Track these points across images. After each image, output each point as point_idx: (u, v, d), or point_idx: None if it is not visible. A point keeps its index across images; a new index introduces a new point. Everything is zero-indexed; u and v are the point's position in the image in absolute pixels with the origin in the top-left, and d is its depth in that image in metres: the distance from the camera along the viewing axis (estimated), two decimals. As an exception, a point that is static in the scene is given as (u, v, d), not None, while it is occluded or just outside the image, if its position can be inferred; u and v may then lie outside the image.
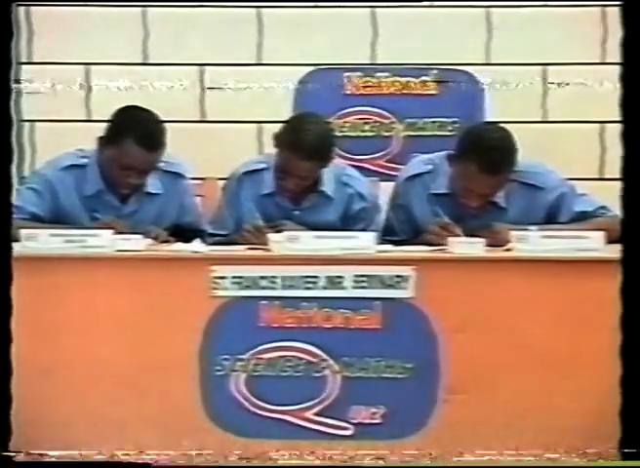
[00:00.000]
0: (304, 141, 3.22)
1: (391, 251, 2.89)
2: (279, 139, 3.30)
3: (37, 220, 3.22)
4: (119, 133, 3.19)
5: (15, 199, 3.15)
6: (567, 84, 4.27)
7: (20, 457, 2.70)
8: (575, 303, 2.73)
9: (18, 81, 4.20)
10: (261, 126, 4.23)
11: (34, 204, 3.27)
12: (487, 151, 3.12)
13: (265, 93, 4.28)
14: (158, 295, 2.76)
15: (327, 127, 3.44)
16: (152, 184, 3.35)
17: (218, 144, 4.22)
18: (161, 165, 3.32)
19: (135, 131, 3.17)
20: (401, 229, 3.36)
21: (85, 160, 3.32)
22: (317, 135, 3.25)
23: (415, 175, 3.36)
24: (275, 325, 2.76)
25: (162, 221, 3.35)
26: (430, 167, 3.34)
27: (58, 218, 3.27)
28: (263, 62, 4.32)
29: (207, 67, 4.32)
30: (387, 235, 3.32)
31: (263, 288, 2.76)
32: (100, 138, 3.25)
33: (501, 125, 3.27)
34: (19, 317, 2.61)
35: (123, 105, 3.31)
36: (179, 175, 3.42)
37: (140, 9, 4.29)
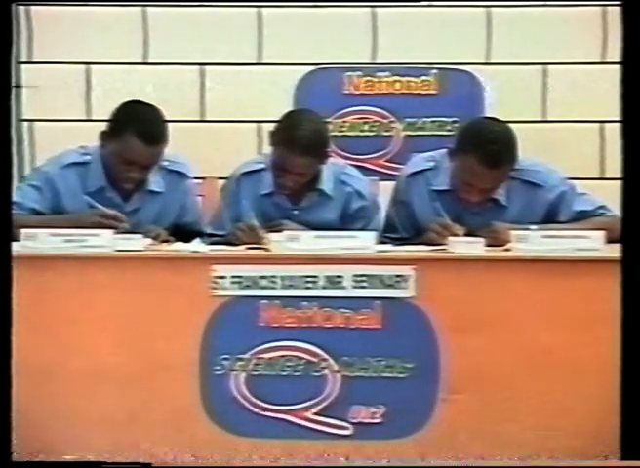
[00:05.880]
0: (298, 137, 3.21)
1: (391, 250, 2.89)
2: (274, 137, 3.30)
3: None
4: (121, 127, 3.19)
5: (15, 195, 3.16)
6: (567, 84, 4.27)
7: (20, 457, 2.70)
8: (575, 303, 2.73)
9: (18, 81, 4.20)
10: (261, 126, 4.23)
11: (34, 200, 3.26)
12: (486, 144, 3.12)
13: (265, 93, 4.28)
14: (158, 295, 2.76)
15: (321, 123, 3.42)
16: (155, 182, 3.34)
17: (218, 144, 4.22)
18: (164, 163, 3.32)
19: (136, 125, 3.16)
20: (402, 226, 3.36)
21: (87, 157, 3.32)
22: (311, 130, 3.25)
23: (416, 172, 3.36)
24: (275, 324, 2.76)
25: (163, 220, 3.35)
26: (432, 164, 3.35)
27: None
28: (263, 62, 4.32)
29: (207, 67, 4.32)
30: (388, 232, 3.33)
31: (263, 287, 2.76)
32: (103, 133, 3.25)
33: (501, 120, 3.28)
34: (18, 316, 2.61)
35: (125, 101, 3.31)
36: (182, 175, 3.42)
37: (140, 9, 4.29)
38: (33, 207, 3.25)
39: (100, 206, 3.21)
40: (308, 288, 2.76)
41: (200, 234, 3.36)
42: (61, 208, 3.28)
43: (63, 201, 3.29)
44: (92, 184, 3.30)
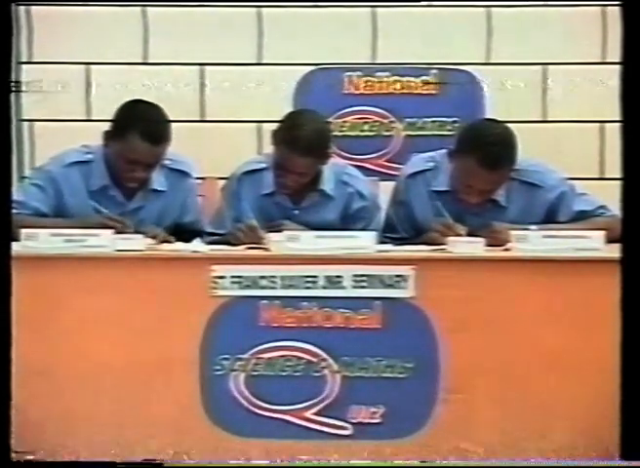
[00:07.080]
0: (300, 137, 3.22)
1: (391, 250, 2.89)
2: (276, 136, 3.30)
3: (40, 216, 3.22)
4: (124, 127, 3.19)
5: (17, 195, 3.17)
6: (567, 84, 4.27)
7: (20, 457, 2.69)
8: (575, 303, 2.73)
9: (18, 81, 4.20)
10: (261, 125, 4.23)
11: (37, 199, 3.26)
12: (486, 146, 3.12)
13: (265, 93, 4.28)
14: (158, 295, 2.76)
15: (323, 123, 3.43)
16: (158, 181, 3.34)
17: (218, 144, 4.22)
18: (167, 162, 3.32)
19: (139, 125, 3.17)
20: (402, 227, 3.37)
21: (90, 156, 3.32)
22: (313, 130, 3.25)
23: (416, 173, 3.36)
24: (275, 324, 2.76)
25: (165, 219, 3.35)
26: (432, 164, 3.35)
27: (61, 216, 3.26)
28: (263, 62, 4.32)
29: (207, 67, 4.32)
30: (388, 232, 3.34)
31: (263, 287, 2.76)
32: (106, 133, 3.25)
33: (502, 122, 3.28)
34: (18, 316, 2.61)
35: (128, 100, 3.31)
36: (184, 174, 3.42)
37: (139, 9, 4.29)
38: (36, 206, 3.25)
39: (102, 209, 3.22)
40: (308, 288, 2.76)
41: (200, 234, 3.36)
42: (64, 207, 3.29)
43: (66, 200, 3.29)
44: (94, 183, 3.30)
